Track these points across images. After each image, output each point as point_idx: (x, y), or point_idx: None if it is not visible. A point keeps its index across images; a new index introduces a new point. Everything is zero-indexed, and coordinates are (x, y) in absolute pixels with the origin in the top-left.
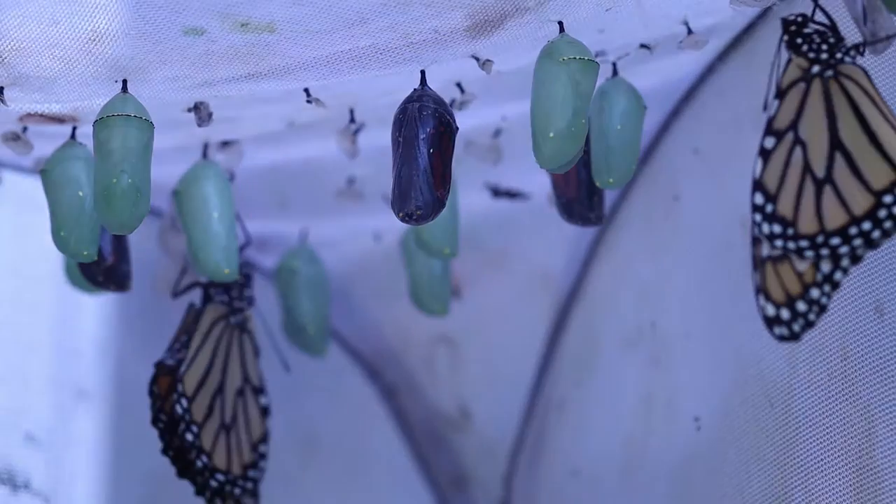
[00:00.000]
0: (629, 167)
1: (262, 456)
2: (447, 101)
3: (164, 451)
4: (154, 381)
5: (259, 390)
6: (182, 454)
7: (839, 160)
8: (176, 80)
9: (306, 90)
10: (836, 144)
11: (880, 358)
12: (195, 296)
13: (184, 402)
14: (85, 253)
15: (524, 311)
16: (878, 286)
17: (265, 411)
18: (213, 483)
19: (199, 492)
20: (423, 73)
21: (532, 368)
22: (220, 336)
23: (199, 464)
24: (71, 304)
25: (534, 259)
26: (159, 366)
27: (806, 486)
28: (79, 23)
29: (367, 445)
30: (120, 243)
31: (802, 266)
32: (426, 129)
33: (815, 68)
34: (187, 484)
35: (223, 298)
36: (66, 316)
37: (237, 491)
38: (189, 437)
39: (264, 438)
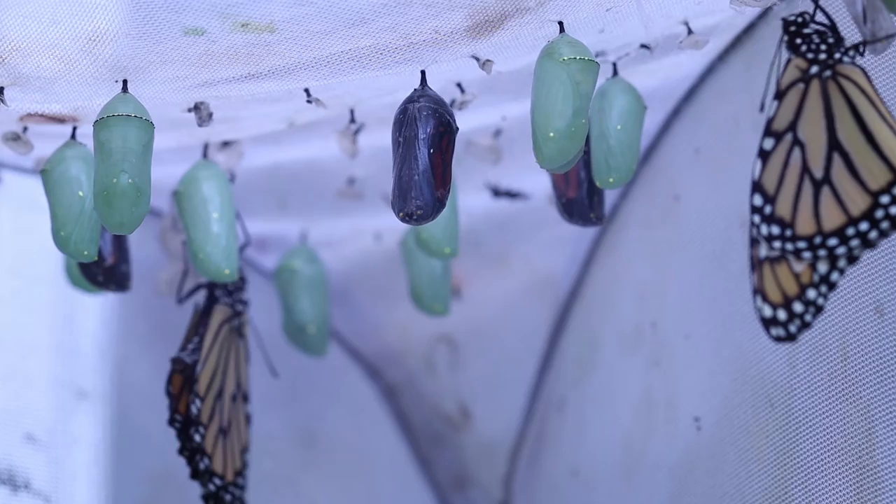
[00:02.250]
0: (629, 167)
1: (246, 465)
2: (447, 101)
3: (181, 452)
4: (169, 379)
5: (246, 398)
6: (195, 455)
7: (837, 161)
8: (176, 80)
9: (306, 90)
10: (834, 145)
11: (880, 358)
12: (199, 298)
13: (198, 402)
14: (85, 253)
15: (524, 310)
16: (877, 286)
17: (248, 419)
18: (212, 487)
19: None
20: (423, 73)
21: (532, 368)
22: (224, 339)
23: (201, 466)
24: (71, 304)
25: (534, 259)
26: (176, 361)
27: (806, 486)
28: (79, 23)
29: (367, 445)
30: (120, 243)
31: (799, 267)
32: (426, 130)
33: (814, 69)
34: (187, 484)
35: (227, 301)
36: (66, 316)
37: (228, 497)
38: (197, 438)
39: (247, 447)
